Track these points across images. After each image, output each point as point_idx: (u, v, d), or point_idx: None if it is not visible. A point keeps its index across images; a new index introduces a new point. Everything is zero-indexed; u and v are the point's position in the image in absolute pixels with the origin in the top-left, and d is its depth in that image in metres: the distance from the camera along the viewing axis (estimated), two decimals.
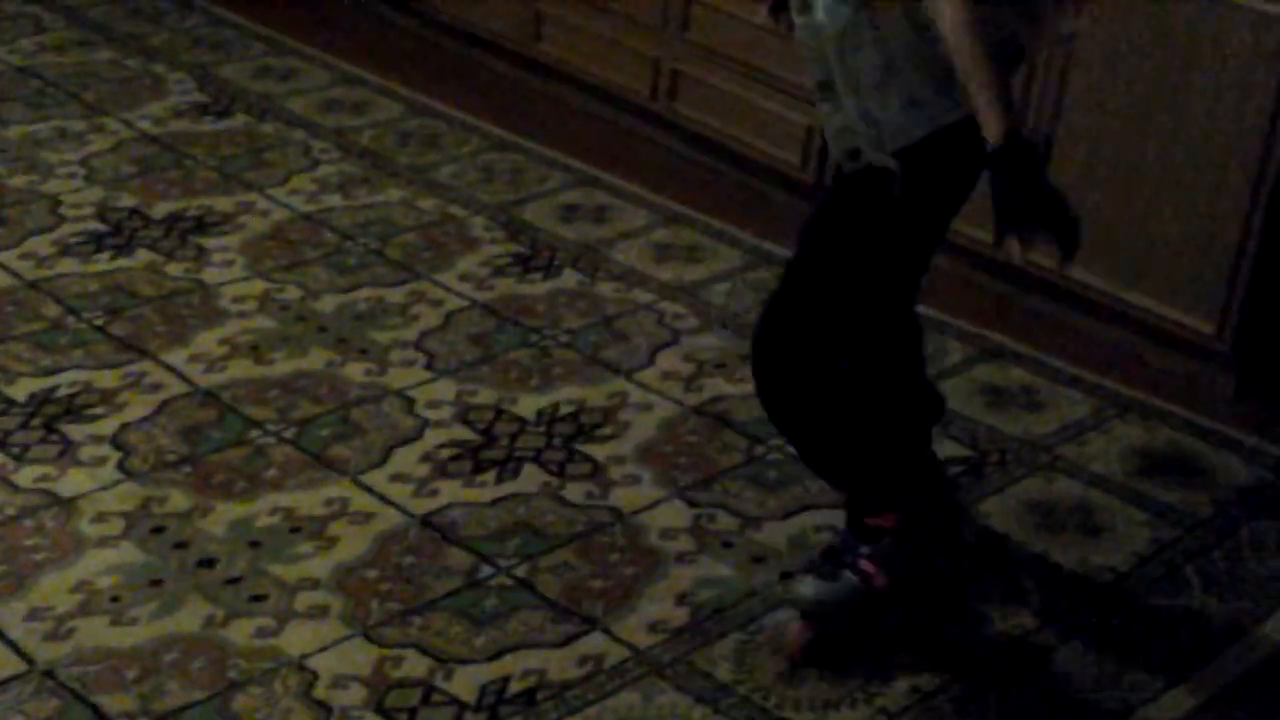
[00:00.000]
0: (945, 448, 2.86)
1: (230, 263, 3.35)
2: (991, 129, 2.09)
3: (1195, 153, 3.09)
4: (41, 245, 3.35)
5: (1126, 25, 3.13)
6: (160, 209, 3.55)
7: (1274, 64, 2.95)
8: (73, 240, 3.38)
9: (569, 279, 3.40)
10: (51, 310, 3.11)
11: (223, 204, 3.60)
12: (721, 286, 3.42)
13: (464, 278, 3.36)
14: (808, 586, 2.44)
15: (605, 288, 3.38)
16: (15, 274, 3.23)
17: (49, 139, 3.82)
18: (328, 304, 3.22)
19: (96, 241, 3.38)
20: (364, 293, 3.28)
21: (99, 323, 3.08)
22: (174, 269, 3.31)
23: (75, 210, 3.50)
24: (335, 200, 3.67)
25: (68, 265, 3.28)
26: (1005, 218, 2.12)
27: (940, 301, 3.28)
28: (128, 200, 3.57)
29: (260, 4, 4.78)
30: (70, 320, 3.08)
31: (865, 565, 2.42)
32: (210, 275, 3.30)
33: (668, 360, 3.13)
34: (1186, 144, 3.10)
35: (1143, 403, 3.13)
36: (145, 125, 3.94)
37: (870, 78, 2.24)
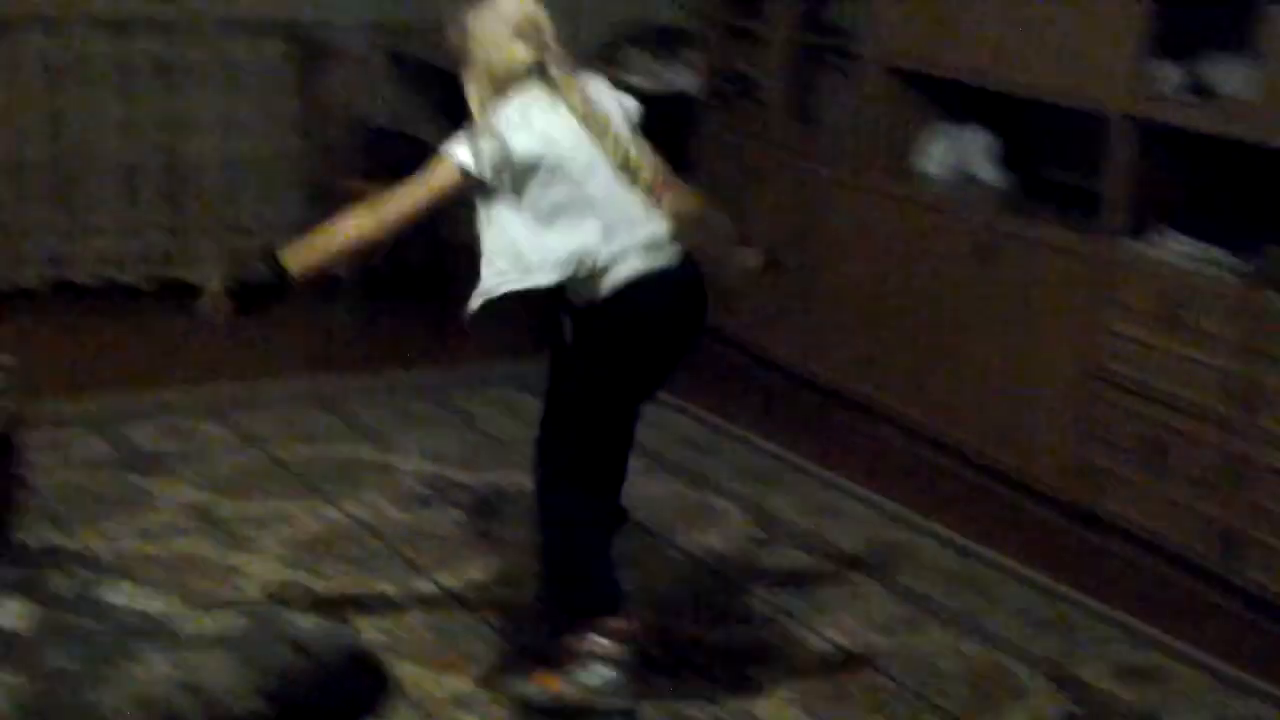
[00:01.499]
0: None
1: (771, 694, 3.39)
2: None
3: None
4: None
5: None
6: (716, 634, 3.65)
7: None
8: None
9: None
10: None
11: (771, 636, 3.66)
12: None
13: None
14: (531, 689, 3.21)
15: None
16: None
17: None
18: None
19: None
20: None
21: None
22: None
23: None
24: (878, 639, 3.69)
25: None
26: None
27: None
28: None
29: (811, 442, 4.96)
30: None
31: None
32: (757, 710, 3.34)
33: None
34: None
35: None
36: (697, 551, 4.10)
37: None
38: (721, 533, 4.24)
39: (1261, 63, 3.89)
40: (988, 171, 4.96)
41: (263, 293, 3.19)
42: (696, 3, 5.92)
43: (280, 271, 3.18)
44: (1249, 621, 3.92)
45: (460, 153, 3.18)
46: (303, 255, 3.21)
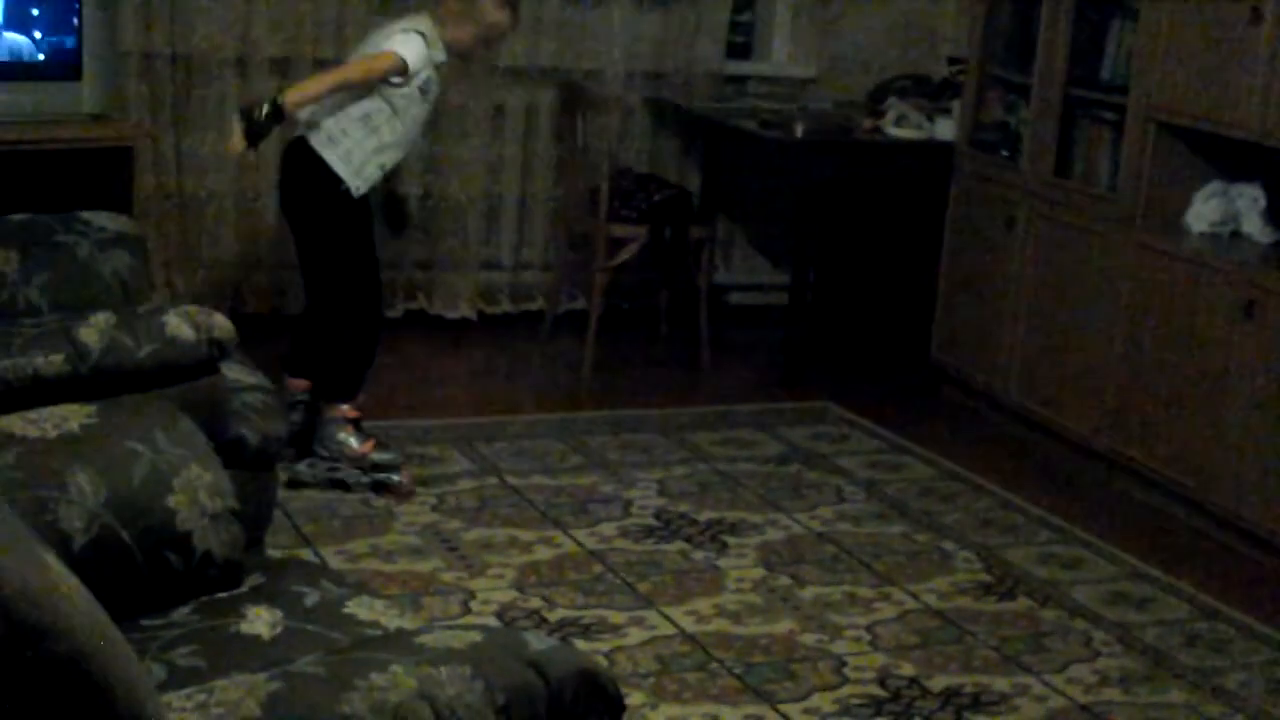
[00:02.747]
0: None
1: None
2: None
3: None
4: (824, 703, 3.47)
5: None
6: (938, 682, 3.60)
7: None
8: (853, 702, 3.48)
9: None
10: None
11: (999, 684, 3.60)
12: None
13: None
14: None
15: None
16: None
17: (839, 602, 4.00)
18: None
19: (877, 707, 3.46)
20: None
21: None
22: None
23: (858, 673, 3.62)
24: (1114, 694, 3.59)
25: None
26: None
27: None
28: (908, 670, 3.65)
29: (1051, 493, 4.87)
30: None
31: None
32: None
33: None
34: None
35: None
36: (930, 599, 4.05)
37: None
38: (954, 580, 4.18)
39: None
40: (1257, 228, 4.81)
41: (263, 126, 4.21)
42: (965, 55, 5.88)
43: (277, 109, 4.18)
44: None
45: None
46: (295, 95, 4.26)
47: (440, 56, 4.42)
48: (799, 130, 5.80)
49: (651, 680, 3.50)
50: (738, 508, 4.56)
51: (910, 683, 3.59)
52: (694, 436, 5.14)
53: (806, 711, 3.42)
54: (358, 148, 4.34)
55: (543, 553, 4.14)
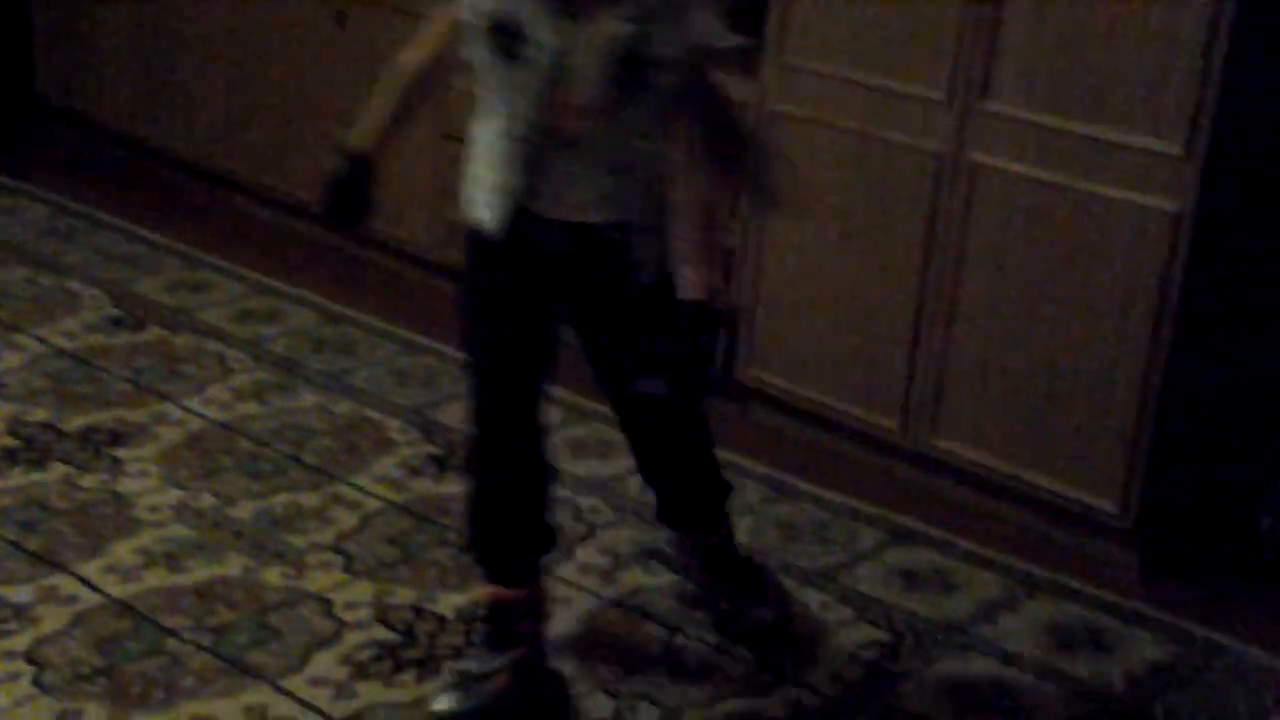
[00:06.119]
0: (861, 631, 2.91)
1: (145, 473, 3.35)
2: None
3: (1089, 337, 3.21)
4: None
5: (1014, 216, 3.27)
6: (74, 423, 3.56)
7: (1159, 255, 3.09)
8: None
9: None
10: None
11: (137, 416, 3.62)
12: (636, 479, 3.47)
13: (380, 479, 3.40)
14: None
15: None
16: None
17: None
18: (244, 510, 3.24)
19: (9, 457, 3.38)
20: (280, 498, 3.29)
21: (11, 537, 3.07)
22: (88, 481, 3.30)
23: None
24: (251, 408, 3.71)
25: None
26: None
27: (851, 487, 3.35)
28: (41, 415, 3.58)
29: (173, 220, 4.86)
30: None
31: None
32: (125, 486, 3.29)
33: (586, 553, 3.16)
34: (1080, 333, 3.22)
35: (1052, 581, 3.19)
36: (59, 341, 3.97)
37: None
38: (82, 319, 4.11)
39: None
40: None
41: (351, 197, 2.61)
42: None
43: (353, 157, 2.59)
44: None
45: None
46: (366, 125, 2.61)
47: None
48: None
49: None
50: None
51: (44, 428, 3.52)
52: None
53: None
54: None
55: None
